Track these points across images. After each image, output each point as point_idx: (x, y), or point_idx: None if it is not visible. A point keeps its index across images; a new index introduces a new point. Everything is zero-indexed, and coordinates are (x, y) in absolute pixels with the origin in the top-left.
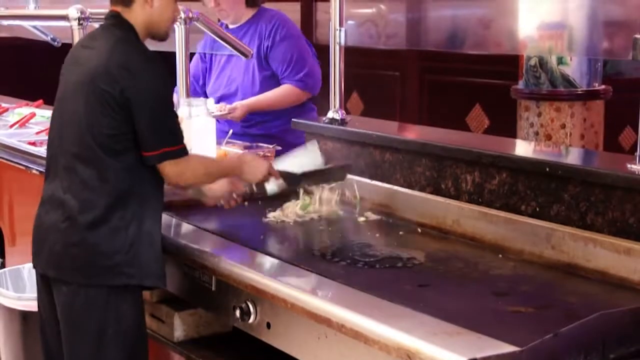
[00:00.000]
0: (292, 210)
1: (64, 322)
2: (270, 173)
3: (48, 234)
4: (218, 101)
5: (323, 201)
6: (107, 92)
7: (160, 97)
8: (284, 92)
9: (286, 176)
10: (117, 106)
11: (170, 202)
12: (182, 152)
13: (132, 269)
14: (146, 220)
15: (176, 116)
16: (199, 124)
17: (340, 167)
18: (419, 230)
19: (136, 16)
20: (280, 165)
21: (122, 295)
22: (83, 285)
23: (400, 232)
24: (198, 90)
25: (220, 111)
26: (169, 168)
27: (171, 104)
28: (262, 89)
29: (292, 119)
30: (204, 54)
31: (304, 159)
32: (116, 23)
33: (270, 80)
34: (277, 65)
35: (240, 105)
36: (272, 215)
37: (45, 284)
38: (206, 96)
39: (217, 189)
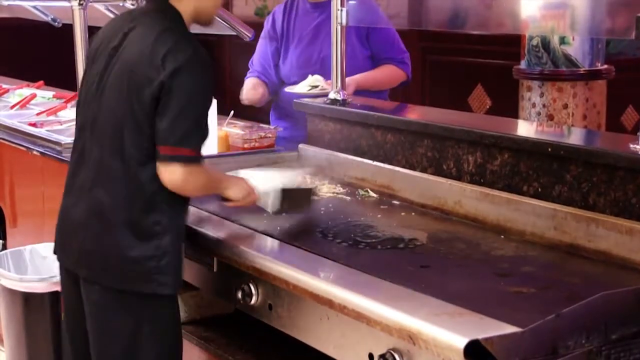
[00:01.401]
0: None
1: (95, 321)
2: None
3: (77, 229)
4: (300, 80)
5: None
6: (148, 86)
7: (199, 94)
8: (390, 72)
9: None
10: (156, 100)
11: None
12: (196, 159)
13: (163, 277)
14: (179, 227)
15: (204, 114)
16: None
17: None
18: (421, 211)
19: (187, 2)
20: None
21: (157, 300)
22: (116, 289)
23: (402, 213)
24: (271, 73)
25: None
26: (174, 173)
27: (207, 103)
28: (361, 69)
29: (294, 100)
30: (273, 36)
31: (276, 174)
32: (161, 8)
33: (370, 61)
34: (381, 45)
35: (352, 80)
36: None
37: (71, 280)
38: (278, 78)
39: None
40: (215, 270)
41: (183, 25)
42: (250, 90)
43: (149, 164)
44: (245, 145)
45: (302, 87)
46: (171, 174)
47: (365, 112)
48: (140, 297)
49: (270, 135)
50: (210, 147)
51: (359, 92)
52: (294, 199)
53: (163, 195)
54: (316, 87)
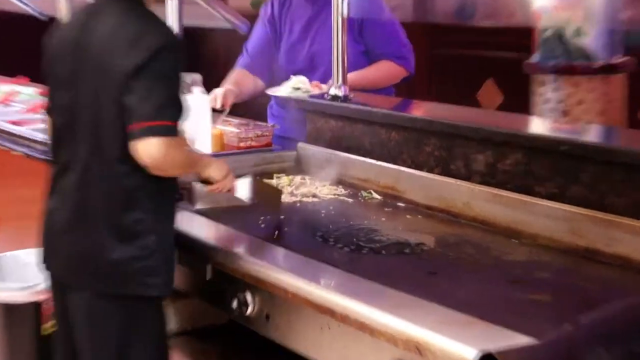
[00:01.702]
0: (288, 191)
1: (83, 330)
2: (229, 179)
3: (62, 234)
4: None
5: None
6: (121, 72)
7: (171, 73)
8: (387, 69)
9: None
10: (129, 87)
11: None
12: (173, 130)
13: (152, 279)
14: (166, 225)
15: (177, 92)
16: (194, 102)
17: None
18: (428, 213)
19: None
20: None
21: (145, 304)
22: (102, 293)
23: (408, 216)
24: (264, 60)
25: (319, 90)
26: (151, 146)
27: (179, 83)
28: (355, 67)
29: (292, 97)
30: (271, 21)
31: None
32: None
33: (363, 57)
34: (377, 39)
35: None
36: None
37: (61, 290)
38: (271, 72)
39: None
40: (208, 277)
41: (145, 7)
42: (220, 97)
43: (127, 158)
44: (241, 144)
45: (284, 90)
46: (148, 148)
47: (368, 108)
48: (128, 301)
49: (267, 134)
50: (203, 146)
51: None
52: (266, 193)
53: (145, 191)
54: (298, 89)
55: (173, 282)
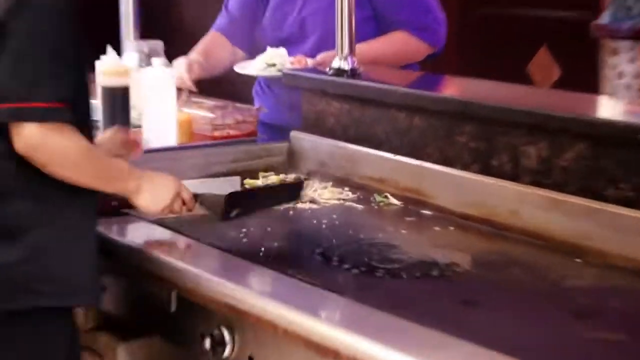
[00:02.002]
0: None
1: None
2: (183, 200)
3: None
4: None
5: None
6: None
7: (49, 29)
8: (401, 43)
9: (213, 201)
10: None
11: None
12: (64, 113)
13: (42, 285)
14: (60, 215)
15: (63, 62)
16: (153, 77)
17: (292, 184)
18: (462, 224)
19: None
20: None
21: (42, 322)
22: None
23: (436, 228)
24: (245, 23)
25: (300, 66)
26: (28, 131)
27: (61, 45)
28: (360, 37)
29: (284, 71)
30: None
31: (223, 185)
32: None
33: (372, 24)
34: (389, 2)
35: (329, 57)
36: None
37: None
38: (254, 40)
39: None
40: (173, 309)
41: None
42: (183, 71)
43: None
44: (216, 134)
45: (255, 66)
46: (21, 138)
47: (384, 86)
48: (16, 322)
49: (250, 119)
50: (165, 136)
51: None
52: (243, 203)
53: (20, 176)
54: (273, 65)
55: (85, 289)
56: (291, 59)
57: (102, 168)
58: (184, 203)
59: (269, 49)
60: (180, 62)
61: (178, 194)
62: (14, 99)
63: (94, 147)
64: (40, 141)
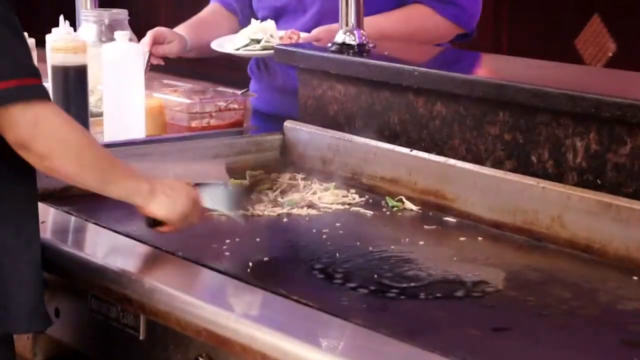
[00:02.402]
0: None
1: None
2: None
3: None
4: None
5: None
6: None
7: None
8: (417, 19)
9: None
10: None
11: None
12: (38, 90)
13: None
14: None
15: (16, 29)
16: (116, 53)
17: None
18: (494, 234)
19: None
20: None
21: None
22: None
23: (462, 238)
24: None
25: (291, 39)
26: (17, 114)
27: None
28: (371, 9)
29: (275, 45)
30: None
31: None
32: None
33: None
34: None
35: (325, 32)
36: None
37: None
38: (250, 11)
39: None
40: (142, 337)
41: None
42: (146, 40)
43: None
44: (194, 124)
45: (237, 41)
46: (10, 127)
47: (399, 65)
48: None
49: (237, 106)
50: (130, 126)
51: None
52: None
53: None
54: (258, 41)
55: (27, 312)
56: (281, 33)
57: (108, 161)
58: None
59: (253, 21)
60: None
61: (196, 201)
62: None
63: (91, 135)
64: (33, 125)
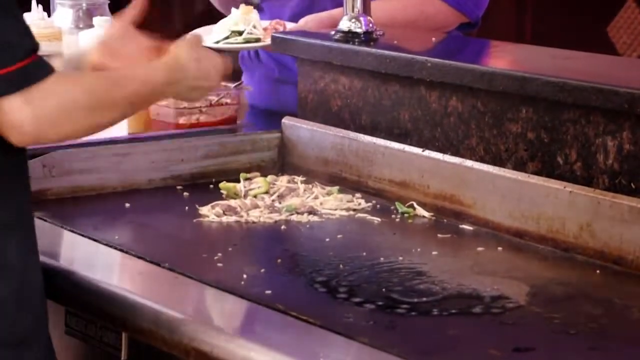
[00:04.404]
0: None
1: None
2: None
3: None
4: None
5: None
6: None
7: None
8: (416, 3)
9: None
10: None
11: (42, 194)
12: (34, 70)
13: None
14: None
15: (14, 16)
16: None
17: None
18: (516, 243)
19: None
20: None
21: None
22: None
23: (480, 248)
24: None
25: (277, 30)
26: (11, 110)
27: None
28: None
29: (272, 34)
30: None
31: None
32: None
33: None
34: None
35: (313, 21)
36: (216, 212)
37: None
38: None
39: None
40: (124, 357)
41: None
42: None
43: None
44: (182, 121)
45: (217, 32)
46: (13, 118)
47: (410, 56)
48: None
49: (229, 101)
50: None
51: None
52: None
53: None
54: (240, 33)
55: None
56: (265, 23)
57: (127, 85)
58: None
59: (234, 11)
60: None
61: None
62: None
63: (97, 80)
64: (41, 110)
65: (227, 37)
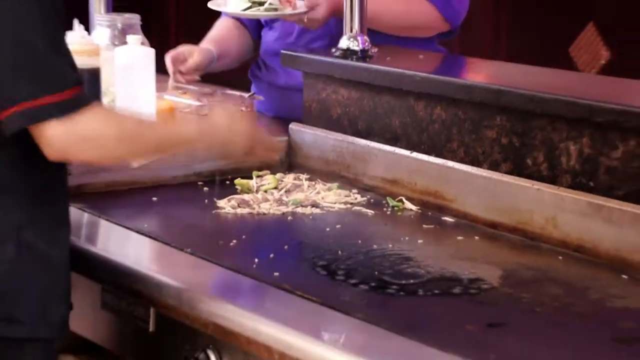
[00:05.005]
0: (274, 197)
1: None
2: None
3: None
4: None
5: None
6: None
7: (32, 6)
8: (406, 0)
9: None
10: None
11: (81, 188)
12: (78, 101)
13: (11, 308)
14: (42, 229)
15: (62, 41)
16: (128, 56)
17: None
18: (491, 233)
19: None
20: None
21: (15, 352)
22: None
23: (459, 237)
24: None
25: (290, 8)
26: (52, 132)
27: (53, 19)
28: None
29: (282, 51)
30: None
31: None
32: None
33: None
34: None
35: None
36: (231, 205)
37: None
38: (258, 23)
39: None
40: (152, 329)
41: None
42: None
43: None
44: None
45: (236, 3)
46: (53, 140)
47: (400, 70)
48: None
49: (243, 109)
50: None
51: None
52: None
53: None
54: (261, 4)
55: (58, 319)
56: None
57: (160, 133)
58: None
59: None
60: (182, 50)
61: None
62: (31, 95)
63: (131, 113)
64: (80, 135)
65: (249, 7)
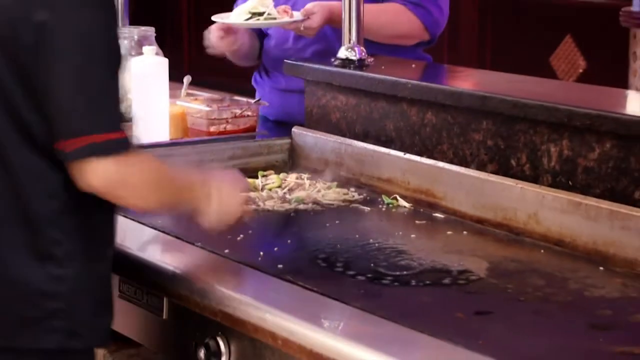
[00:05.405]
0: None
1: None
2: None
3: None
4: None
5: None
6: (14, 35)
7: (95, 38)
8: (391, 13)
9: None
10: (31, 55)
11: None
12: (125, 143)
13: (71, 323)
14: (94, 247)
15: (116, 77)
16: (144, 66)
17: None
18: (478, 228)
19: None
20: None
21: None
22: (5, 349)
23: (449, 232)
24: None
25: (288, 17)
26: (100, 169)
27: (112, 53)
28: None
29: (284, 60)
30: None
31: None
32: None
33: None
34: None
35: (320, 7)
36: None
37: None
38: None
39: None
40: (165, 317)
41: None
42: (216, 36)
43: (35, 161)
44: (212, 129)
45: (237, 15)
46: (97, 176)
47: (394, 78)
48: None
49: (250, 113)
50: (156, 131)
51: (334, 34)
52: None
53: (69, 203)
54: (260, 14)
55: (105, 330)
56: (279, 8)
57: (177, 185)
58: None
59: None
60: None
61: (244, 204)
62: (85, 131)
63: (165, 168)
64: (122, 176)
65: (249, 18)
